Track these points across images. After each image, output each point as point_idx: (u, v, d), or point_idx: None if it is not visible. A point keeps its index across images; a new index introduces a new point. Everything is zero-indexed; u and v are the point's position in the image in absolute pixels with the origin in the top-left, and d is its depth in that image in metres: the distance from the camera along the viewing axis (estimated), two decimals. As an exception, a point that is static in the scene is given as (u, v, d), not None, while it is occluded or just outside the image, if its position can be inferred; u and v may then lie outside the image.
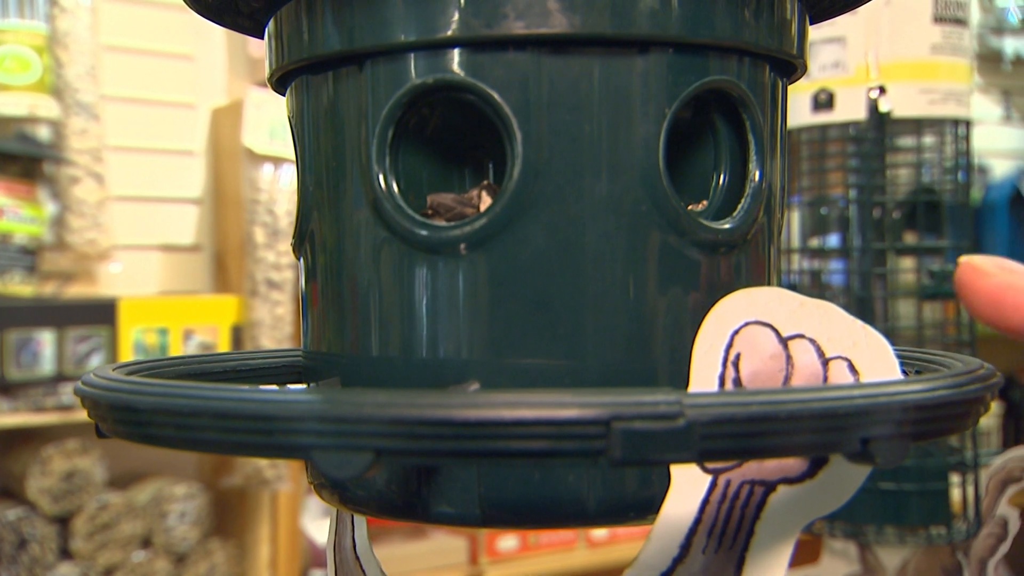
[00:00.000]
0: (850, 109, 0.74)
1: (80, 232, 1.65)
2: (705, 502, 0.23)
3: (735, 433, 0.19)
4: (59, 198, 1.64)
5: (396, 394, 0.19)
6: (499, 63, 0.23)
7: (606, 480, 0.24)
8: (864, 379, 0.23)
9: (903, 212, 0.78)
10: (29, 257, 1.60)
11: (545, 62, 0.23)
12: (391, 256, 0.25)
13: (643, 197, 0.24)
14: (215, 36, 1.91)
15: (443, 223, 0.24)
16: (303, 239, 0.28)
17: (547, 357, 0.24)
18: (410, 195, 0.26)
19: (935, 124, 0.76)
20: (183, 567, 1.68)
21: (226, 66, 1.93)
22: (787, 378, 0.24)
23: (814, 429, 0.19)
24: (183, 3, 0.29)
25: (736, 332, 0.24)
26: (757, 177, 0.26)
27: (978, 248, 2.15)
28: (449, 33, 0.23)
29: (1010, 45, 2.37)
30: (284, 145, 1.72)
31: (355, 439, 0.18)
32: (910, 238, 0.79)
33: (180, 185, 1.89)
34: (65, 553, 1.56)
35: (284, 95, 0.29)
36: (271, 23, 0.28)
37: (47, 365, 1.54)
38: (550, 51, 0.23)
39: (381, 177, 0.25)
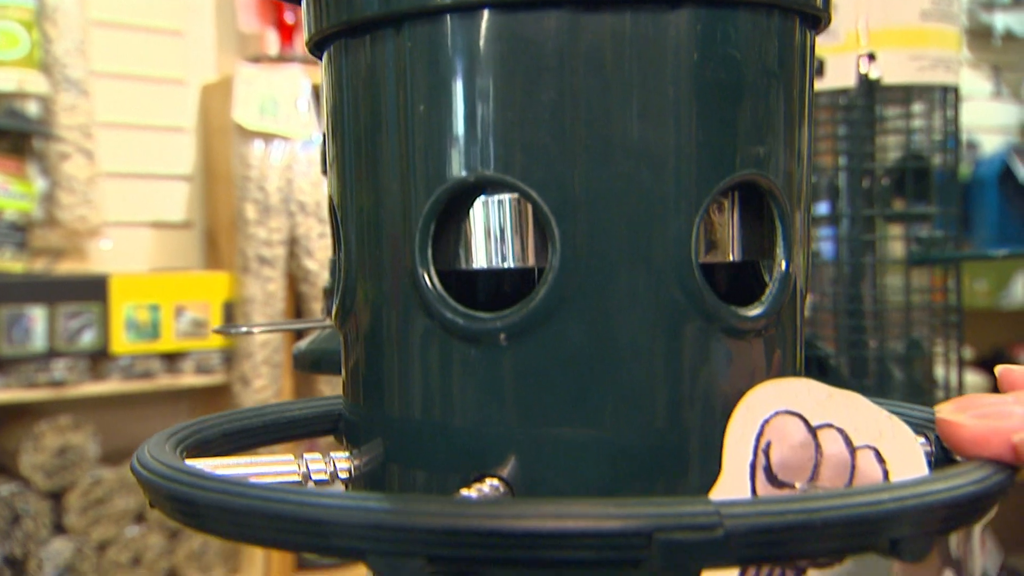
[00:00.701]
0: (840, 76, 0.74)
1: (70, 208, 1.64)
2: None
3: (771, 541, 0.20)
4: (49, 174, 1.63)
5: (447, 504, 0.20)
6: (537, 161, 0.24)
7: None
8: (891, 467, 0.25)
9: (892, 179, 0.78)
10: (19, 233, 1.60)
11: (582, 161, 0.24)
12: (432, 340, 0.26)
13: (675, 288, 0.25)
14: (205, 12, 1.90)
15: (483, 314, 0.25)
16: (347, 315, 0.29)
17: (583, 434, 0.25)
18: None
19: (924, 91, 0.76)
20: (176, 543, 1.69)
21: (216, 42, 1.92)
22: (816, 466, 0.25)
23: (846, 535, 0.20)
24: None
25: (767, 421, 0.25)
26: (784, 266, 0.27)
27: (967, 219, 2.15)
28: None
29: (1000, 20, 2.37)
30: (274, 121, 1.72)
31: (408, 546, 0.20)
32: (899, 205, 0.79)
33: (170, 161, 1.88)
34: (59, 528, 1.56)
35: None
36: None
37: (39, 341, 1.54)
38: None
39: (426, 275, 0.26)
